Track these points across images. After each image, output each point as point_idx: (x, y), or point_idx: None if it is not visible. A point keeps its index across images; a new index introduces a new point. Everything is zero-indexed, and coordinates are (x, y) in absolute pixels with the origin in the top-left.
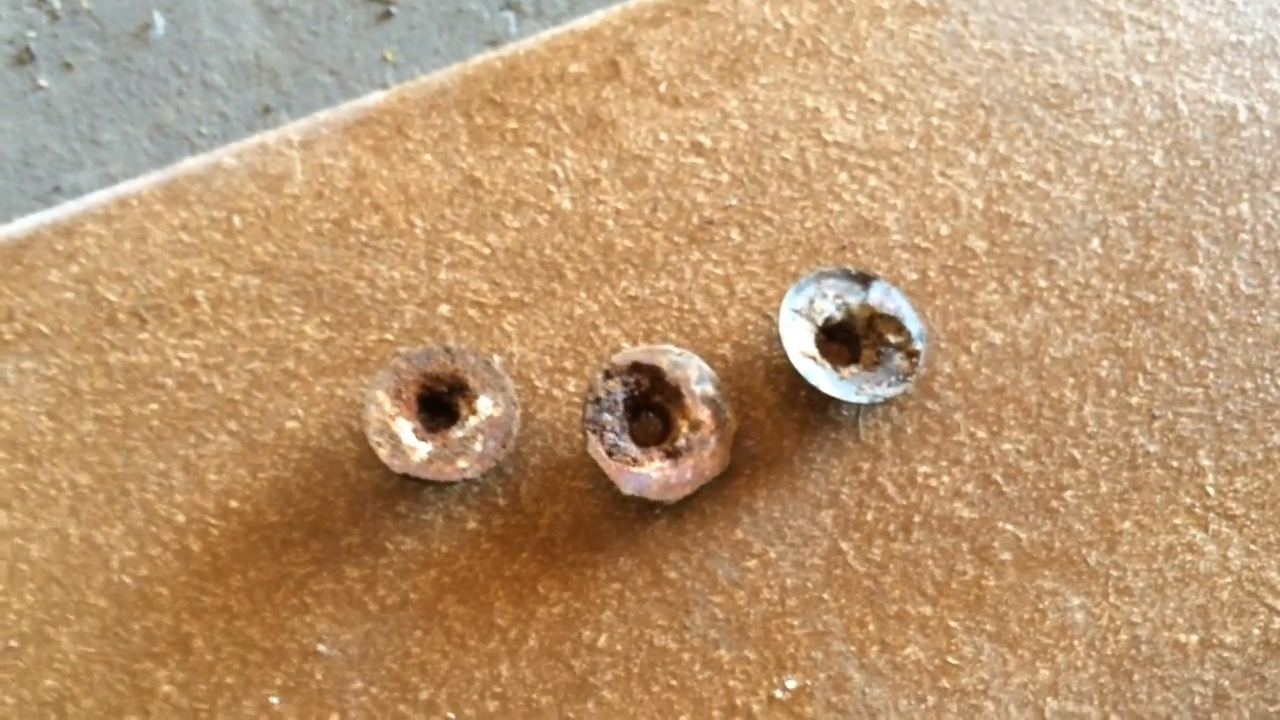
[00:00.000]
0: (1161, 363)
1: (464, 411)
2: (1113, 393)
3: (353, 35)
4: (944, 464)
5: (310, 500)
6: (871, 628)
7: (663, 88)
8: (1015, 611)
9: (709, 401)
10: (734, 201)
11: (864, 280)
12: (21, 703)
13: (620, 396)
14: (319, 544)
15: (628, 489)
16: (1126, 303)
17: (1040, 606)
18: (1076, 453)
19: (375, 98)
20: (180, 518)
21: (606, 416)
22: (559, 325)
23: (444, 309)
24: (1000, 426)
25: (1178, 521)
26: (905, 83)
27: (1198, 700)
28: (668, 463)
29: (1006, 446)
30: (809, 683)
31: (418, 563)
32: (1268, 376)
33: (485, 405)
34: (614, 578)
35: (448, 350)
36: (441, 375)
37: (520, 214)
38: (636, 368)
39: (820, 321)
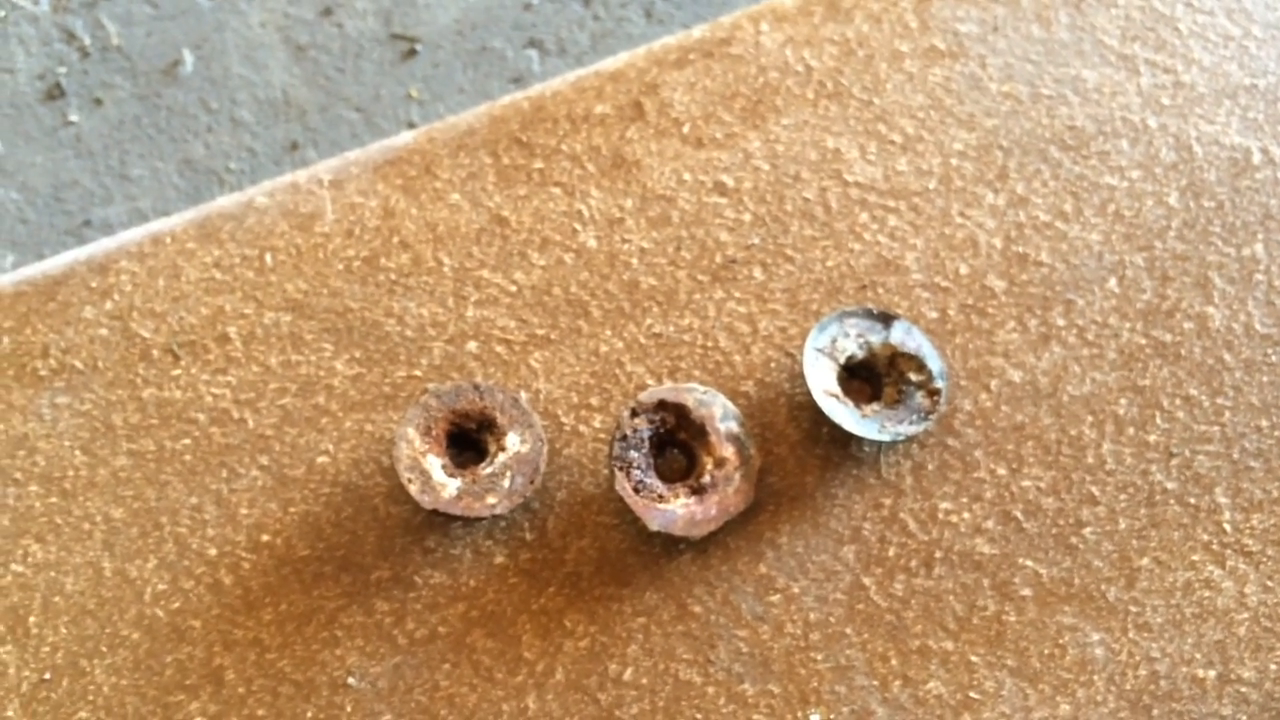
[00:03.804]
0: (1178, 401)
1: (492, 448)
2: (1130, 430)
3: (378, 72)
4: (965, 500)
5: (340, 535)
6: (894, 662)
7: (686, 128)
8: (1036, 647)
9: (733, 439)
10: (756, 241)
11: (885, 320)
12: None
13: (646, 434)
14: (349, 578)
15: (654, 525)
16: (1143, 341)
17: (1060, 642)
18: (1095, 490)
19: (404, 138)
20: (212, 551)
21: (633, 453)
22: (585, 362)
23: (472, 346)
24: (1020, 463)
25: (1195, 558)
26: (924, 124)
27: None
28: (693, 499)
29: (1026, 483)
30: (832, 717)
31: (446, 597)
32: None
33: (513, 442)
34: (639, 612)
35: (476, 387)
36: (470, 412)
37: (546, 252)
38: (662, 405)
39: (843, 360)
